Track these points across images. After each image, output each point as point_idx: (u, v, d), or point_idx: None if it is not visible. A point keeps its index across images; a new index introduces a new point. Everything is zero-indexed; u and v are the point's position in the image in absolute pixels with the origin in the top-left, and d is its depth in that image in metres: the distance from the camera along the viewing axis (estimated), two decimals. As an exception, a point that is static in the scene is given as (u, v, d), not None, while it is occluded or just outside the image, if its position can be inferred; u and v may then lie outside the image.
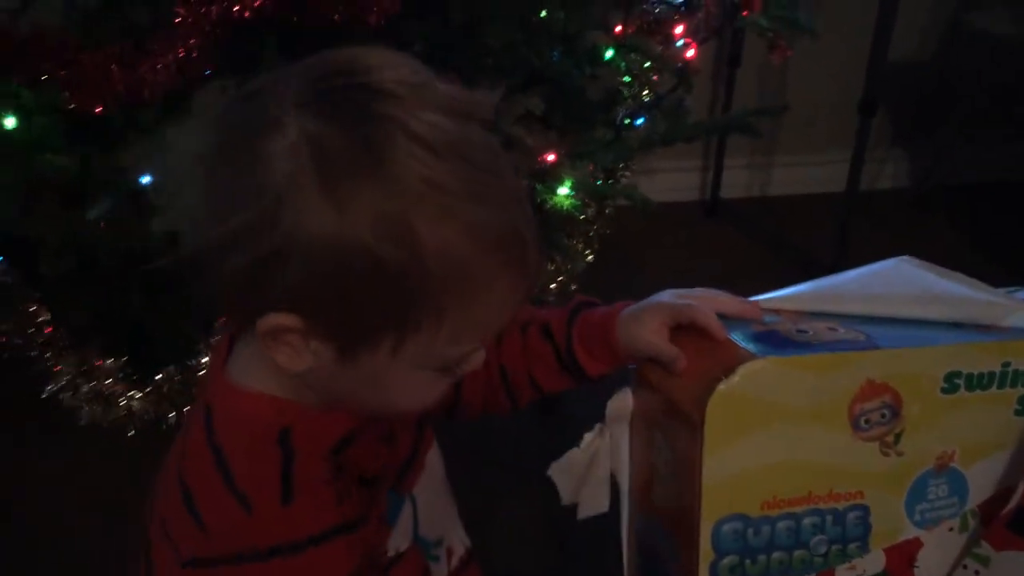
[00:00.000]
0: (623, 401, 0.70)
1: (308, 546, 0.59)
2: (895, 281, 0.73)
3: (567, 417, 0.88)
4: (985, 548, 0.68)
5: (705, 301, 0.69)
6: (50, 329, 1.32)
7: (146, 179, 1.12)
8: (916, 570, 0.69)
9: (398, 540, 0.68)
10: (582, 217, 1.49)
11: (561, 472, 0.73)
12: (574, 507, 0.74)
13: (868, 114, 1.97)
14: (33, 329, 1.32)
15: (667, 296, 0.71)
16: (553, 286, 1.51)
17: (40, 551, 0.62)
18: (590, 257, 1.55)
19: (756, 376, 0.61)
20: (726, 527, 0.63)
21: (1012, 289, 0.80)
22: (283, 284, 0.55)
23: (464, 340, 0.59)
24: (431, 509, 0.72)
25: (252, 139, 0.55)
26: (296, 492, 0.59)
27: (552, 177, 1.34)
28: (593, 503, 0.73)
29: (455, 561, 0.76)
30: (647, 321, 0.69)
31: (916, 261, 0.75)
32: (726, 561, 0.63)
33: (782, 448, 0.62)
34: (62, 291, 1.27)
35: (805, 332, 0.67)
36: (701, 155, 2.49)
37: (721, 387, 0.60)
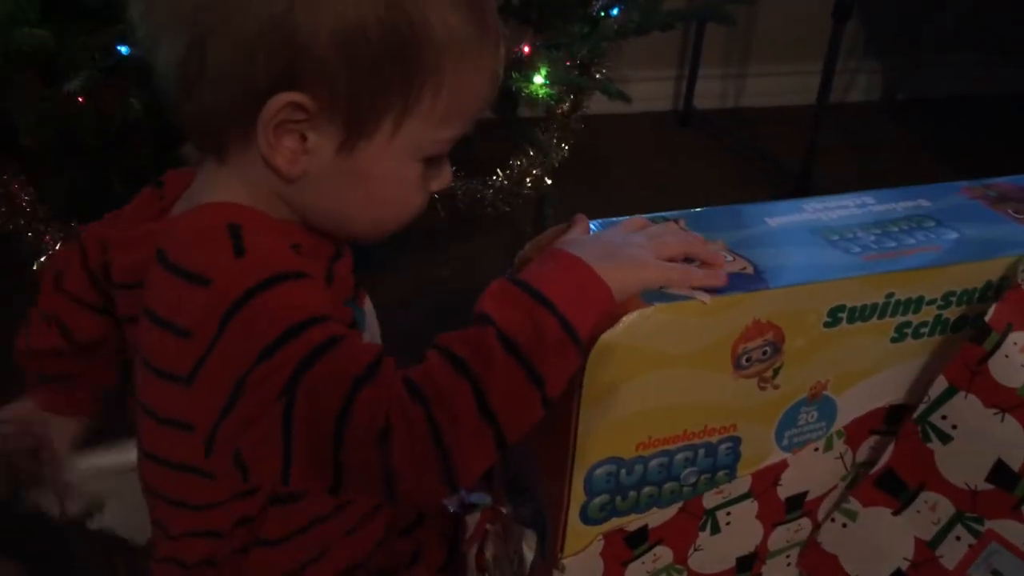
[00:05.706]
0: None
1: (276, 283, 0.56)
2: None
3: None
4: (853, 504, 0.69)
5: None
6: (36, 204, 1.32)
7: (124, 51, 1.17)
8: (779, 488, 0.70)
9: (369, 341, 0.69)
10: (558, 111, 1.51)
11: None
12: None
13: (841, 19, 1.92)
14: (22, 205, 1.31)
15: None
16: (528, 180, 1.51)
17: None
18: (565, 150, 1.55)
19: (640, 325, 0.57)
20: (599, 471, 0.61)
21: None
22: (298, 64, 0.57)
23: (453, 120, 0.62)
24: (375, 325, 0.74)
25: None
26: (247, 246, 0.58)
27: (527, 67, 1.36)
28: None
29: None
30: None
31: None
32: (596, 501, 0.62)
33: (661, 393, 0.60)
34: (44, 165, 1.31)
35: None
36: (676, 64, 2.40)
37: (604, 337, 0.56)
